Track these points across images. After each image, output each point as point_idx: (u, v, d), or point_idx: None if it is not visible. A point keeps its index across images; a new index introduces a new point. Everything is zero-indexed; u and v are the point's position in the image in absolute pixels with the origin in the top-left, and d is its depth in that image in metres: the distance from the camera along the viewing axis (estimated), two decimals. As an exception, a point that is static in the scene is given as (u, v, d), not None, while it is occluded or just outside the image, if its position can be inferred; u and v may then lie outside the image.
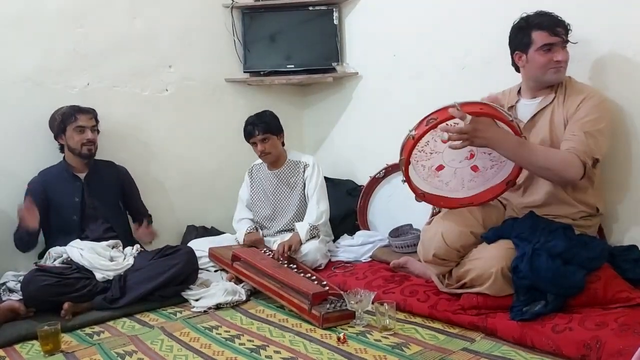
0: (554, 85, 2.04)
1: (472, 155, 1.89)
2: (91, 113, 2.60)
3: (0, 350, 1.96)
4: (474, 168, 1.93)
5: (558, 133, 1.99)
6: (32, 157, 2.53)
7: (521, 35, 2.02)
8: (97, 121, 2.64)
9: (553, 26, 1.95)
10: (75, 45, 2.79)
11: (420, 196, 1.98)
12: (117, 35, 2.91)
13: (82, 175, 2.61)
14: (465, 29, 2.66)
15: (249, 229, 2.85)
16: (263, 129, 2.73)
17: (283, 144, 2.88)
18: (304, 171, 2.84)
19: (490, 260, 1.88)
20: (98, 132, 2.64)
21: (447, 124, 1.75)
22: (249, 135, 2.77)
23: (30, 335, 2.02)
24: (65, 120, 2.53)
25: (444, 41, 2.77)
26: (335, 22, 3.27)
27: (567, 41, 1.99)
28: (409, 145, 1.79)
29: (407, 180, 1.90)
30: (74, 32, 2.78)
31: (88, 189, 2.60)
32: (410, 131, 1.79)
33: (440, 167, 1.90)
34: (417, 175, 1.90)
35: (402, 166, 1.86)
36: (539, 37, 1.97)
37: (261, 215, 2.91)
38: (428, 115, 1.77)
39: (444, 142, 1.79)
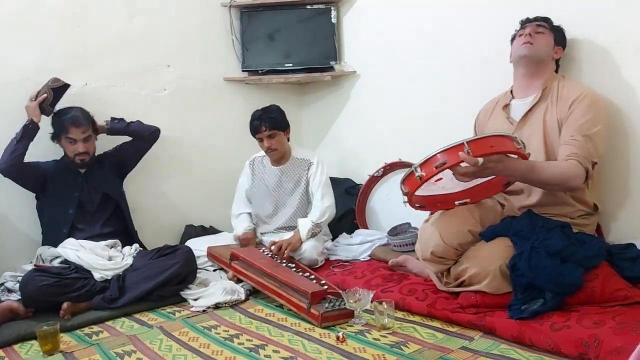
0: (544, 83, 2.07)
1: None
2: (85, 125, 2.53)
3: (0, 350, 1.96)
4: None
5: (552, 133, 2.00)
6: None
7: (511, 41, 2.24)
8: (94, 130, 2.61)
9: (528, 20, 2.17)
10: (74, 45, 2.78)
11: (420, 208, 1.99)
12: (115, 34, 2.91)
13: (82, 170, 2.62)
14: (464, 28, 2.66)
15: (246, 228, 2.83)
16: (270, 124, 2.69)
17: (288, 140, 2.85)
18: (307, 169, 2.83)
19: (488, 258, 1.89)
20: (96, 136, 2.64)
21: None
22: (255, 130, 2.73)
23: (29, 335, 2.02)
24: (58, 131, 2.54)
25: (442, 40, 2.77)
26: (334, 20, 3.27)
27: (542, 26, 2.11)
28: (415, 185, 1.75)
29: (410, 203, 1.90)
30: (72, 32, 2.77)
31: (87, 184, 2.60)
32: (416, 169, 1.73)
33: (438, 180, 1.90)
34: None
35: (405, 196, 1.85)
36: (518, 31, 2.19)
37: (262, 210, 2.89)
38: (436, 154, 1.70)
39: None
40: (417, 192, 1.93)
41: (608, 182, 2.13)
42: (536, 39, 2.09)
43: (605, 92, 2.09)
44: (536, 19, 2.15)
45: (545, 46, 2.10)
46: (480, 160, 1.66)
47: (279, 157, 2.82)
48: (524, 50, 2.10)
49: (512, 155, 1.76)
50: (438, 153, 1.70)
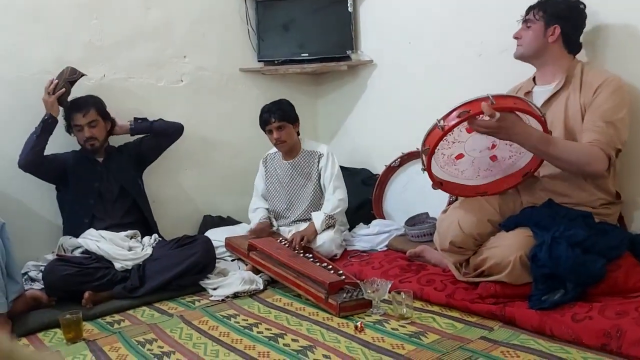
0: (566, 70, 2.03)
1: (493, 146, 1.87)
2: (85, 109, 2.52)
3: (24, 338, 2.00)
4: (493, 158, 1.92)
5: (573, 119, 1.97)
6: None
7: None
8: (100, 113, 2.57)
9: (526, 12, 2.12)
10: (91, 36, 2.81)
11: (438, 184, 1.97)
12: (132, 26, 2.93)
13: (100, 159, 2.64)
14: (481, 16, 2.62)
15: (261, 218, 2.85)
16: (279, 116, 2.71)
17: (298, 134, 2.87)
18: (318, 161, 2.83)
19: (508, 248, 1.87)
20: (107, 121, 2.62)
21: (477, 118, 1.72)
22: (264, 122, 2.76)
23: (52, 323, 2.05)
24: (67, 120, 2.56)
25: (459, 29, 2.73)
26: (350, 9, 3.24)
27: (529, 20, 2.08)
28: (437, 136, 1.75)
29: (428, 169, 1.89)
30: (89, 24, 2.80)
31: (107, 173, 2.63)
32: (439, 121, 1.74)
33: (459, 156, 1.88)
34: (435, 163, 1.89)
35: (424, 155, 1.84)
36: None
37: (277, 204, 2.91)
38: (459, 107, 1.72)
39: (469, 131, 1.77)
40: (438, 175, 1.92)
41: (631, 170, 2.09)
42: (523, 37, 2.09)
43: (629, 77, 2.04)
44: (527, 10, 2.10)
45: (533, 40, 2.06)
46: (497, 114, 1.67)
47: (288, 149, 2.83)
48: (514, 52, 2.14)
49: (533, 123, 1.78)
50: (461, 105, 1.72)
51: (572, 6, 2.04)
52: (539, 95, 2.10)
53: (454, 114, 1.72)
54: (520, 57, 2.13)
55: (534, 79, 2.18)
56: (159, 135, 2.81)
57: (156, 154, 2.86)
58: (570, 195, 1.98)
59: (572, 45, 2.07)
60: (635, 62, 2.07)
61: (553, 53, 2.06)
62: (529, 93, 2.14)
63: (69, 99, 2.55)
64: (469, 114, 1.69)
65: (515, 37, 2.12)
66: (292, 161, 2.86)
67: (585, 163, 1.83)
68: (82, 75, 2.57)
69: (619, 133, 1.87)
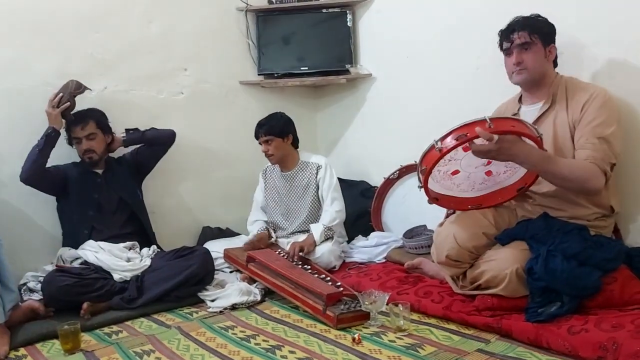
0: (552, 88, 2.03)
1: (488, 162, 1.88)
2: (84, 122, 2.55)
3: (22, 348, 2.00)
4: (488, 173, 1.93)
5: (562, 138, 1.98)
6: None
7: (499, 41, 2.11)
8: (100, 126, 2.60)
9: (508, 32, 2.03)
10: (93, 49, 2.84)
11: (433, 200, 1.99)
12: (133, 39, 2.96)
13: (100, 171, 2.66)
14: (478, 30, 2.65)
15: (259, 230, 2.87)
16: (266, 130, 2.77)
17: (296, 147, 2.89)
18: (316, 173, 2.85)
19: (504, 262, 1.88)
20: (107, 135, 2.65)
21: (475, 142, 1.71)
22: (255, 135, 2.84)
23: (50, 334, 2.06)
24: (68, 132, 2.58)
25: (457, 43, 2.76)
26: (349, 24, 3.28)
27: (527, 42, 1.98)
28: (434, 157, 1.76)
29: (424, 187, 1.90)
30: (91, 37, 2.83)
31: (106, 185, 2.64)
32: (436, 142, 1.74)
33: (455, 172, 1.90)
34: (431, 178, 1.91)
35: (421, 175, 1.85)
36: (502, 43, 2.08)
37: (275, 216, 2.93)
38: (457, 129, 1.71)
39: (465, 150, 1.77)
40: (433, 189, 1.94)
41: (626, 183, 2.10)
42: (526, 60, 1.99)
43: (622, 93, 2.06)
44: (519, 28, 1.98)
45: (538, 63, 1.99)
46: (496, 136, 1.67)
47: (277, 161, 2.86)
48: (518, 79, 2.04)
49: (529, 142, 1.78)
50: (459, 127, 1.71)
51: (549, 22, 2.02)
52: (527, 116, 2.08)
53: (451, 137, 1.72)
54: (525, 82, 2.04)
55: (519, 99, 2.17)
56: (152, 144, 2.82)
57: (153, 162, 2.87)
58: (565, 209, 1.99)
59: (556, 60, 2.07)
60: (623, 78, 2.10)
61: (549, 73, 2.05)
62: (516, 115, 2.13)
63: (72, 112, 2.57)
64: (466, 138, 1.69)
65: (518, 63, 2.00)
66: (288, 173, 2.89)
67: (584, 180, 1.82)
68: (87, 89, 2.59)
69: (612, 148, 1.88)
